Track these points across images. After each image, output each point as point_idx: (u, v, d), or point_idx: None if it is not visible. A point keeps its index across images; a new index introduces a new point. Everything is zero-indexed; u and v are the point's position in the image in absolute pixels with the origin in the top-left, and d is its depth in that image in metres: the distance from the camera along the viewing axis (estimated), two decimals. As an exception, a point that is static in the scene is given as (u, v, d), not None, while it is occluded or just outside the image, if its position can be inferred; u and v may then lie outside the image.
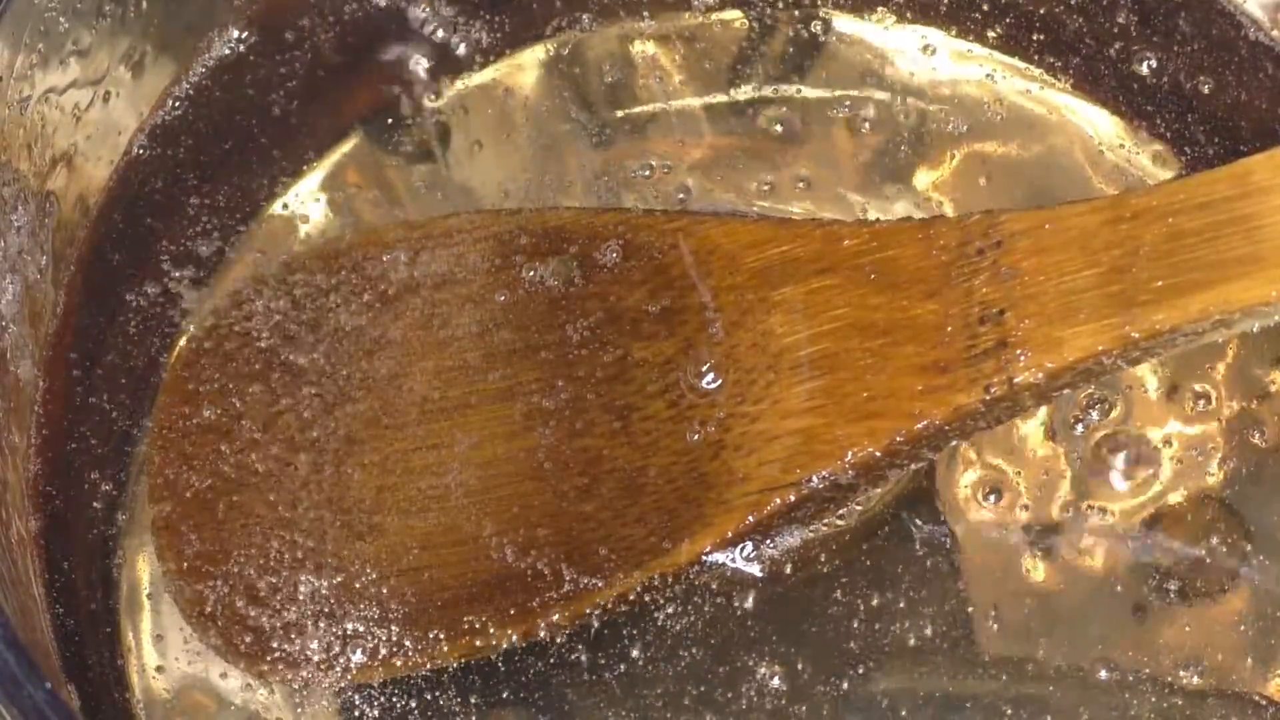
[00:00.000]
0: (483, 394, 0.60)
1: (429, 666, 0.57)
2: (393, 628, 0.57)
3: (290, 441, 0.59)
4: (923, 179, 0.65)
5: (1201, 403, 0.61)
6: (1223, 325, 0.52)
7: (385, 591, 0.58)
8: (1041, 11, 0.66)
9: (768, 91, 0.66)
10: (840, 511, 0.59)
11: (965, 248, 0.55)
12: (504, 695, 0.58)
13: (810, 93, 0.66)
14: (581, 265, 0.60)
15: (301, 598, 0.58)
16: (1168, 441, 0.61)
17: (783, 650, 0.58)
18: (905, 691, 0.58)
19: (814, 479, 0.56)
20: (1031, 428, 0.61)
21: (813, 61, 0.67)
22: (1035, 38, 0.66)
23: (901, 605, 0.59)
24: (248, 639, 0.58)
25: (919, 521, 0.60)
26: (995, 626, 0.59)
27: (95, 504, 0.60)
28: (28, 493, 0.59)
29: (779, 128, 0.66)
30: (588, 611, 0.57)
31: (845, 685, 0.58)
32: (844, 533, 0.59)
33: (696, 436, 0.57)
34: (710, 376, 0.58)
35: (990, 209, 0.56)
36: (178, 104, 0.64)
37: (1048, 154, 0.65)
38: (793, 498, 0.56)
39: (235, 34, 0.65)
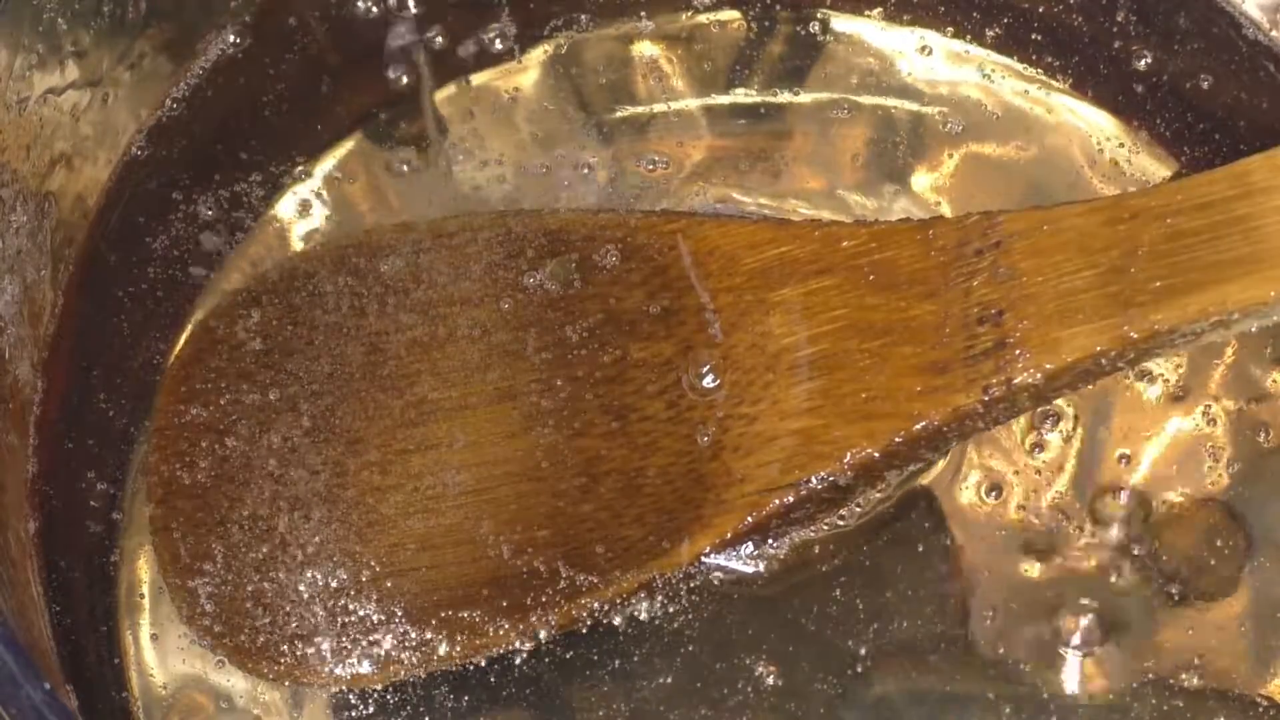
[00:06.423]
0: (482, 395, 0.60)
1: (427, 668, 0.57)
2: (391, 627, 0.57)
3: (288, 442, 0.59)
4: (921, 179, 0.65)
5: (1202, 404, 0.61)
6: (1221, 325, 0.52)
7: (383, 591, 0.58)
8: (1040, 10, 0.66)
9: (766, 92, 0.66)
10: (840, 512, 0.59)
11: (964, 248, 0.55)
12: (501, 693, 0.58)
13: (808, 94, 0.66)
14: (581, 266, 0.60)
15: (299, 598, 0.58)
16: (1168, 443, 0.61)
17: (781, 649, 0.58)
18: (903, 690, 0.58)
19: (813, 480, 0.56)
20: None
21: (810, 62, 0.67)
22: (1034, 37, 0.66)
23: (901, 605, 0.59)
24: (245, 639, 0.58)
25: (918, 522, 0.60)
26: (994, 626, 0.59)
27: (93, 504, 0.60)
28: (26, 493, 0.59)
29: (777, 128, 0.66)
30: (585, 611, 0.57)
31: (843, 684, 0.58)
32: (844, 533, 0.59)
33: (696, 437, 0.57)
34: (709, 377, 0.58)
35: (988, 209, 0.56)
36: (176, 105, 0.64)
37: (1046, 154, 0.65)
38: (791, 499, 0.56)
39: (233, 37, 0.65)
